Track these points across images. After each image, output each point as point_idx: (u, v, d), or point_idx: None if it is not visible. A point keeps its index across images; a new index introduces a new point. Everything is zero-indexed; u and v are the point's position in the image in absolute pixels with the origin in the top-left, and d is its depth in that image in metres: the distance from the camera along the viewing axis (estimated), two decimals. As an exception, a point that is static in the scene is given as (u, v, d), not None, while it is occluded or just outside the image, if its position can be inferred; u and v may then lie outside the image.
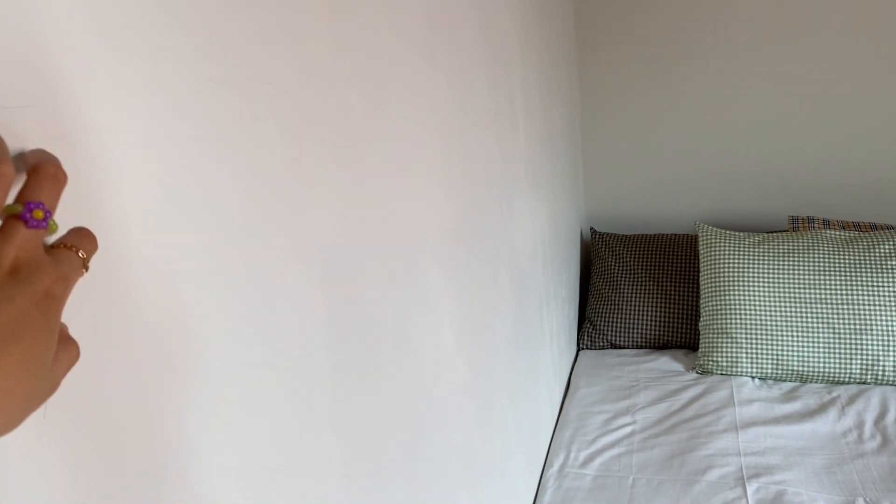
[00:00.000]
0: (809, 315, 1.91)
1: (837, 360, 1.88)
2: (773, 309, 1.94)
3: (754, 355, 1.94)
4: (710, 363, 1.99)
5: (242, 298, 0.56)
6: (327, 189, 0.69)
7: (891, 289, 1.88)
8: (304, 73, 0.65)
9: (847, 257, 1.94)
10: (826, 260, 1.95)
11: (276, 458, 0.60)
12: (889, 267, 1.90)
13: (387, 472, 0.83)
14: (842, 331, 1.88)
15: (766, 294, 1.95)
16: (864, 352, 1.86)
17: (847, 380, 1.89)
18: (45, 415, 0.38)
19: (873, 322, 1.86)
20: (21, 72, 0.37)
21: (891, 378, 1.85)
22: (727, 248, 2.04)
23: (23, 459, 0.38)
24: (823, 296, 1.91)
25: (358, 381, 0.76)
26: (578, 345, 2.31)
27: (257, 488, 0.58)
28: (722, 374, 1.98)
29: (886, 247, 1.94)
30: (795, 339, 1.91)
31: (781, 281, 1.95)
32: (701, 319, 2.07)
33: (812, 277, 1.93)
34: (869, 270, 1.91)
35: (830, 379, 1.90)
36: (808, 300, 1.92)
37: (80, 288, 0.37)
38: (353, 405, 0.75)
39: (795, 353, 1.91)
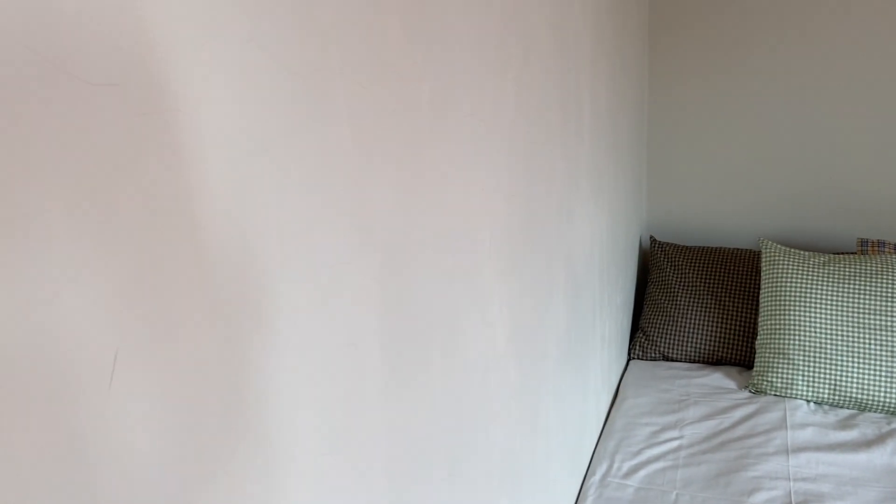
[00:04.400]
0: (872, 341, 1.84)
1: (900, 391, 1.81)
2: (834, 332, 1.88)
3: (811, 378, 1.89)
4: (765, 383, 1.94)
5: (309, 276, 0.57)
6: (391, 180, 0.70)
7: (963, 321, 1.80)
8: (376, 64, 0.66)
9: (917, 285, 1.87)
10: (894, 286, 1.88)
11: (324, 436, 0.62)
12: (962, 298, 1.82)
13: (428, 464, 0.84)
14: (906, 361, 1.81)
15: (829, 317, 1.90)
16: (929, 384, 1.79)
17: (909, 412, 1.82)
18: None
19: (941, 354, 1.79)
20: (111, 49, 0.39)
21: (956, 413, 1.77)
22: (791, 267, 1.99)
23: (109, 400, 0.40)
24: (888, 323, 1.84)
25: (406, 369, 0.77)
26: (630, 354, 2.28)
27: (315, 459, 0.59)
28: (776, 395, 1.93)
29: (961, 277, 1.86)
30: (856, 365, 1.85)
31: (845, 304, 1.89)
32: (758, 337, 2.02)
33: (878, 303, 1.87)
34: (940, 300, 1.83)
35: (890, 409, 1.83)
36: (871, 326, 1.85)
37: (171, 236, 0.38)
38: (400, 393, 0.76)
39: (855, 380, 1.85)
